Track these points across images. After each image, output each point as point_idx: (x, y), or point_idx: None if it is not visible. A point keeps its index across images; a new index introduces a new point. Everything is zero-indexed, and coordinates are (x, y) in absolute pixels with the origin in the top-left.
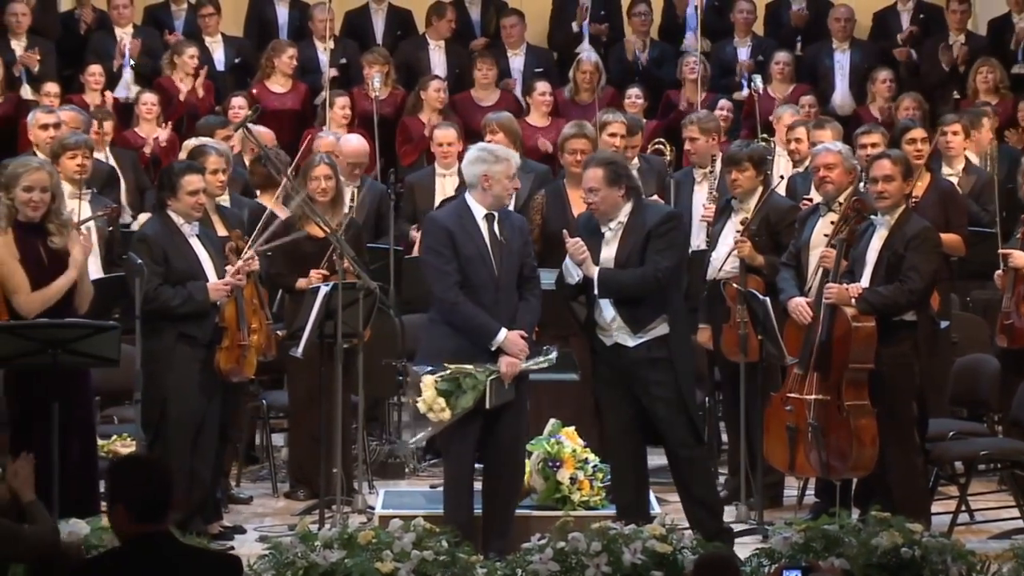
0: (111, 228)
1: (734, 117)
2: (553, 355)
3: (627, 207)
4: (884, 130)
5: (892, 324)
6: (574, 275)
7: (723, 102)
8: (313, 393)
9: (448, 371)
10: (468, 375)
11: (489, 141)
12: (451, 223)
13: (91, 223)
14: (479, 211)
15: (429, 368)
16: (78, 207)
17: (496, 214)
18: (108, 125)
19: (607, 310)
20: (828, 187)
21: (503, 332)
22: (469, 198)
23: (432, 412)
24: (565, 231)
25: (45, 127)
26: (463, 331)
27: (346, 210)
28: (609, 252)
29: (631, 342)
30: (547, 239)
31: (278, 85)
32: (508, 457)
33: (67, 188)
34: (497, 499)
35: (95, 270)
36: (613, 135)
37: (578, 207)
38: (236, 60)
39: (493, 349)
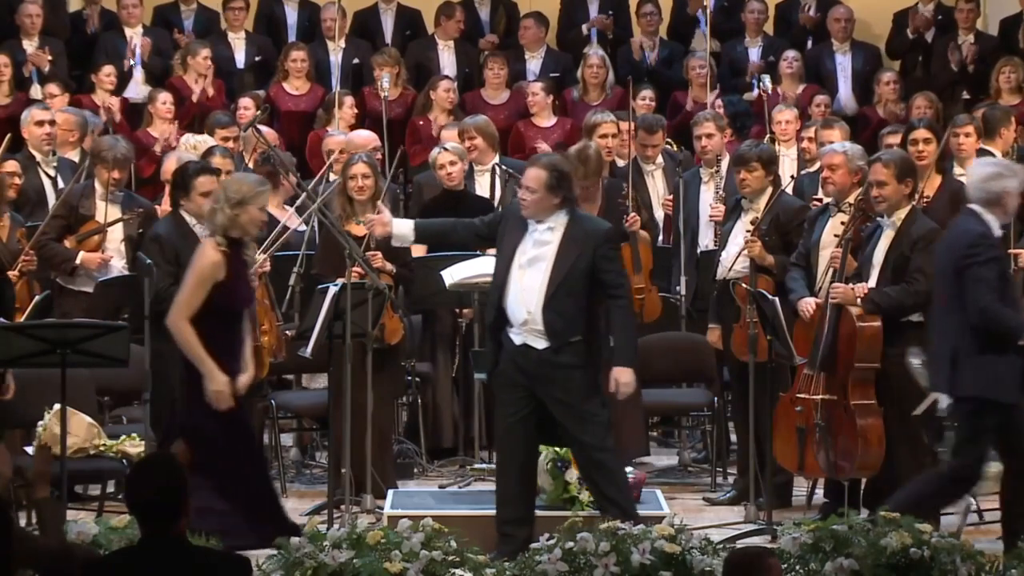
0: (140, 231)
1: (735, 114)
2: None
3: (560, 215)
4: (844, 124)
5: (899, 325)
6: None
7: (716, 101)
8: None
9: None
10: None
11: (468, 147)
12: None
13: (119, 225)
14: (995, 227)
15: None
16: (105, 208)
17: None
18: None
19: (524, 312)
20: (829, 187)
21: None
22: (987, 215)
23: None
24: None
25: (40, 124)
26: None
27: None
28: (546, 251)
29: (541, 344)
30: None
31: (293, 87)
32: None
33: (99, 189)
34: None
35: (121, 270)
36: (604, 136)
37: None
38: (257, 59)
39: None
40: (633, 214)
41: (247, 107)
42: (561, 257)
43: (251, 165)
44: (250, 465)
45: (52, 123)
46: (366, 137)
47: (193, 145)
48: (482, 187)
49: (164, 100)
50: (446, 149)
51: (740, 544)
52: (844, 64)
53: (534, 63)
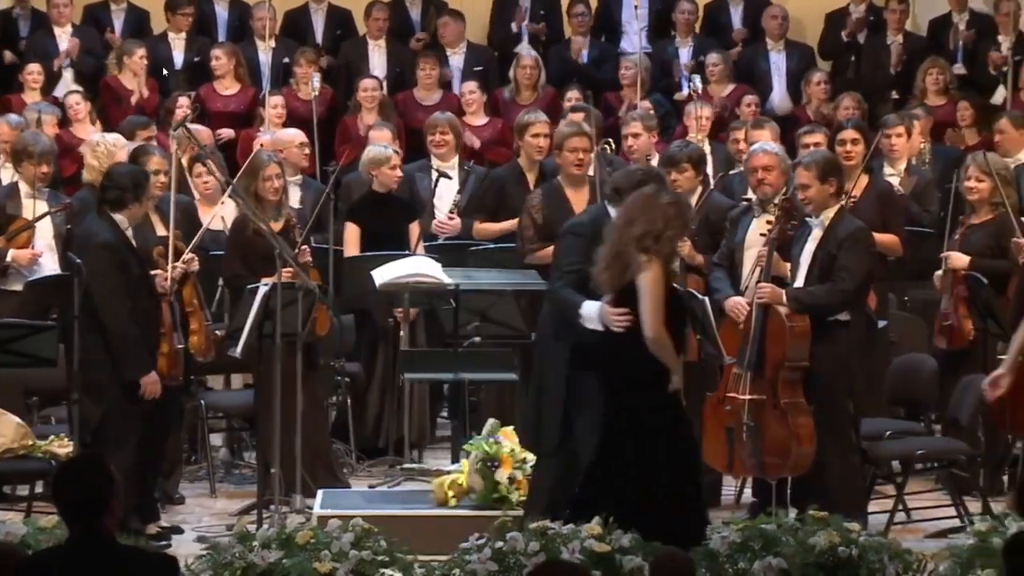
0: (68, 226)
1: (664, 114)
2: None
3: None
4: (826, 130)
5: (826, 324)
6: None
7: (644, 103)
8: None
9: None
10: None
11: (439, 141)
12: None
13: (47, 220)
14: None
15: None
16: (33, 205)
17: None
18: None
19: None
20: (766, 189)
21: None
22: None
23: None
24: None
25: None
26: None
27: (297, 205)
28: None
29: None
30: (551, 239)
31: (223, 87)
32: None
33: (23, 188)
34: None
35: (52, 267)
36: (536, 135)
37: (579, 206)
38: (195, 59)
39: None
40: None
41: (187, 106)
42: None
43: (185, 164)
44: None
45: None
46: (292, 134)
47: (112, 143)
48: (447, 187)
49: (71, 104)
50: (398, 152)
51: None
52: (779, 63)
53: (456, 59)
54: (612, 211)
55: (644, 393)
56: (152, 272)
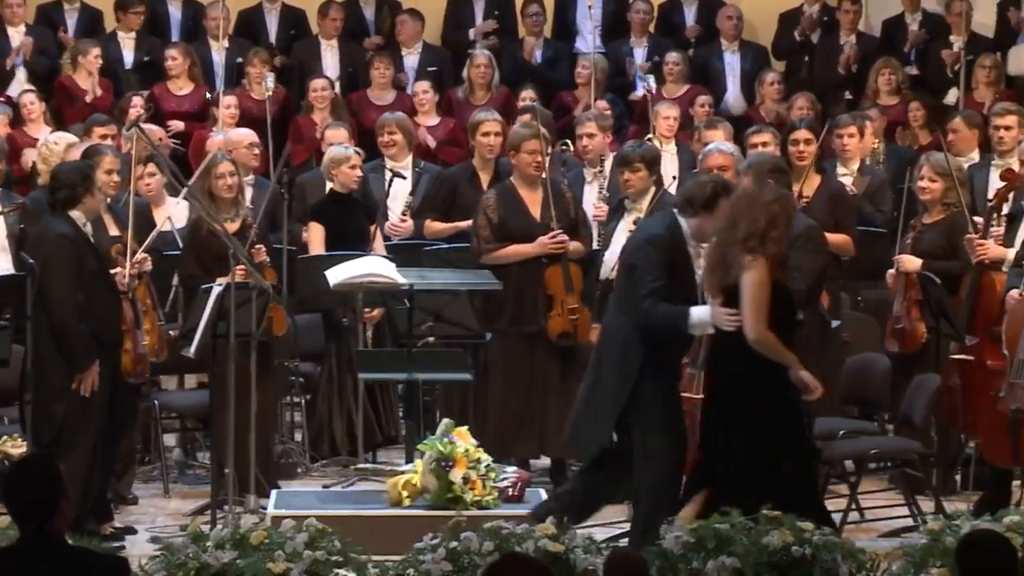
0: (22, 226)
1: (619, 115)
2: None
3: None
4: (775, 130)
5: None
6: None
7: (600, 102)
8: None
9: None
10: None
11: (388, 141)
12: None
13: (0, 219)
14: None
15: None
16: None
17: None
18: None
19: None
20: None
21: None
22: None
23: None
24: None
25: None
26: None
27: (248, 205)
28: None
29: None
30: (507, 239)
31: (177, 87)
32: None
33: None
34: None
35: (6, 267)
36: (487, 134)
37: (533, 207)
38: (145, 59)
39: None
40: (557, 232)
41: (140, 105)
42: None
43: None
44: None
45: None
46: (243, 133)
47: (55, 141)
48: (401, 187)
49: (24, 103)
50: (358, 152)
51: (622, 543)
52: (733, 64)
53: (411, 59)
54: (683, 222)
55: (749, 392)
56: (112, 271)
